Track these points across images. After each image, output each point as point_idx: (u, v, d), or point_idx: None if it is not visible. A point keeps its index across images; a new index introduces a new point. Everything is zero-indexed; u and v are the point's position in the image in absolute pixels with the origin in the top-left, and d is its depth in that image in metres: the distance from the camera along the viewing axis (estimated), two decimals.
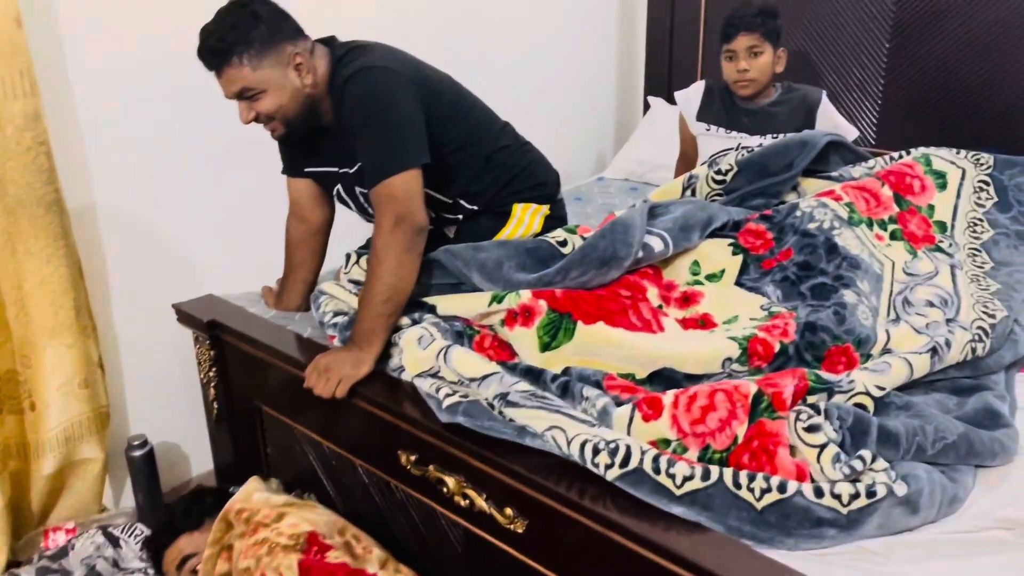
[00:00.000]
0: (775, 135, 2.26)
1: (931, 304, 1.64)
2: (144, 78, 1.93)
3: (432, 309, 1.60)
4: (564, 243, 1.68)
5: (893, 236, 1.82)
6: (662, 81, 3.13)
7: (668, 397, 1.26)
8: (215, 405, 1.90)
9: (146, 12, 1.90)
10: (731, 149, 2.24)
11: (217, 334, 1.79)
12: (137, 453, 1.95)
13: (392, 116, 1.51)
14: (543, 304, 1.49)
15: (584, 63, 3.16)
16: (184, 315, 1.83)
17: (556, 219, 1.84)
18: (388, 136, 1.51)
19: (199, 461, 2.20)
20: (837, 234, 1.72)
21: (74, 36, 1.81)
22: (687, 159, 2.45)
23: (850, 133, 2.31)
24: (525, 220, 1.79)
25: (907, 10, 2.52)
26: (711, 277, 1.73)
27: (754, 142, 2.24)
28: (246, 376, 1.81)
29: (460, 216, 1.76)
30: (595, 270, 1.57)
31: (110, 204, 1.95)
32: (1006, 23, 2.37)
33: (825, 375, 1.31)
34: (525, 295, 1.50)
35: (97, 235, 1.94)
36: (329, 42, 1.63)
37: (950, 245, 1.84)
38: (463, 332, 1.56)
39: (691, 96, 2.38)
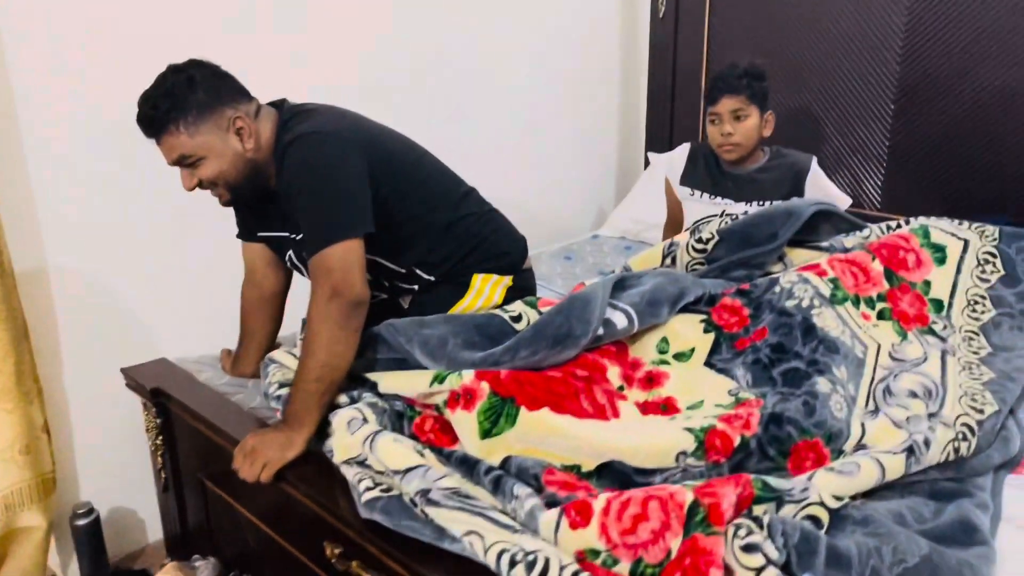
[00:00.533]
0: (761, 202, 2.16)
1: (914, 395, 1.52)
2: (97, 138, 1.90)
3: (375, 386, 1.52)
4: (519, 318, 1.59)
5: (881, 315, 1.70)
6: (663, 137, 3.06)
7: (599, 502, 1.15)
8: (162, 474, 1.84)
9: (99, 72, 1.88)
10: (715, 216, 2.16)
11: (162, 401, 1.73)
12: (82, 522, 1.88)
13: (331, 184, 1.46)
14: (485, 387, 1.40)
15: (586, 116, 3.11)
16: (131, 380, 1.78)
17: (520, 290, 1.76)
18: (326, 204, 1.45)
19: (154, 528, 2.13)
20: (816, 314, 1.62)
21: (25, 96, 1.79)
22: (674, 223, 2.37)
23: (843, 202, 2.21)
24: (485, 291, 1.71)
25: (912, 71, 2.42)
26: (680, 356, 1.63)
27: (739, 209, 2.16)
28: (191, 447, 1.75)
29: (416, 286, 1.69)
30: (547, 350, 1.48)
31: (62, 266, 1.92)
32: (1014, 90, 2.25)
33: (775, 482, 1.20)
34: (467, 376, 1.41)
35: (48, 297, 1.90)
36: (279, 105, 1.58)
37: (944, 327, 1.72)
38: (404, 413, 1.48)
39: (675, 159, 2.30)
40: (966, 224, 1.90)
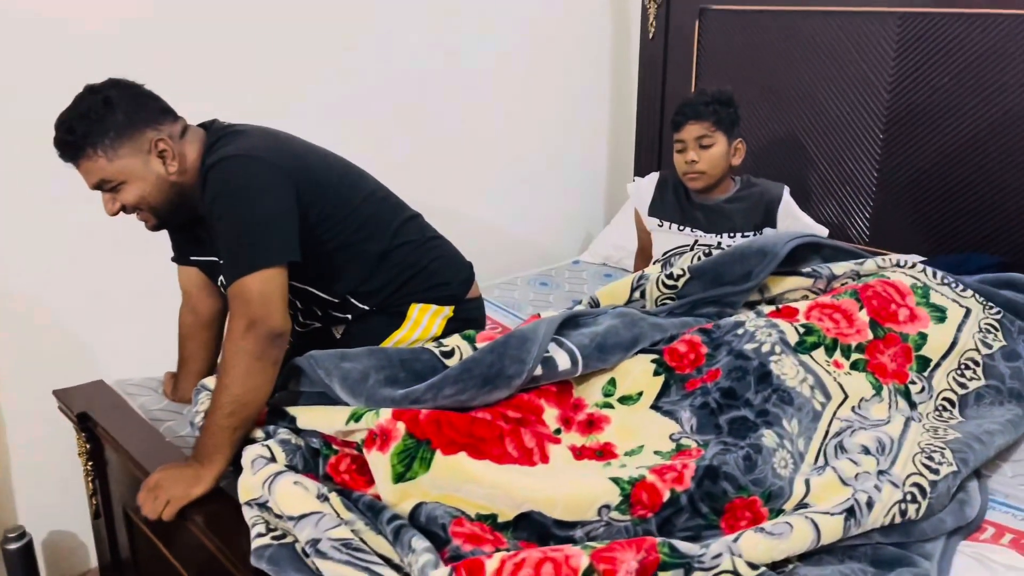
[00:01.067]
0: (732, 234, 2.08)
1: (866, 451, 1.43)
2: (32, 151, 1.87)
3: (295, 420, 1.46)
4: (451, 353, 1.52)
5: (855, 366, 1.62)
6: (652, 160, 2.99)
7: (493, 562, 1.08)
8: (94, 500, 1.79)
9: (34, 89, 1.84)
10: (686, 246, 2.09)
11: (90, 427, 1.69)
12: (13, 546, 1.84)
13: (251, 209, 1.41)
14: (401, 427, 1.33)
15: (574, 138, 3.05)
16: (61, 403, 1.74)
17: (462, 322, 1.70)
18: (245, 231, 1.40)
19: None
20: (774, 360, 1.54)
21: None
22: (644, 254, 2.30)
23: (818, 233, 2.13)
24: (423, 323, 1.65)
25: (902, 101, 2.33)
26: (626, 399, 1.56)
27: (711, 239, 2.08)
28: (119, 475, 1.70)
29: (350, 316, 1.63)
30: (476, 389, 1.42)
31: None
32: (1006, 123, 2.16)
33: (684, 547, 1.12)
34: (384, 415, 1.35)
35: None
36: (209, 125, 1.54)
37: (921, 390, 1.63)
38: (320, 450, 1.42)
39: (642, 189, 2.23)
40: (969, 292, 1.80)
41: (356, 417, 1.37)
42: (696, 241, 2.09)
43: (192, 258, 1.65)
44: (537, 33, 2.79)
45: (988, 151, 2.19)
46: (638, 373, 1.58)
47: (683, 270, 1.82)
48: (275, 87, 2.19)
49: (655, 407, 1.52)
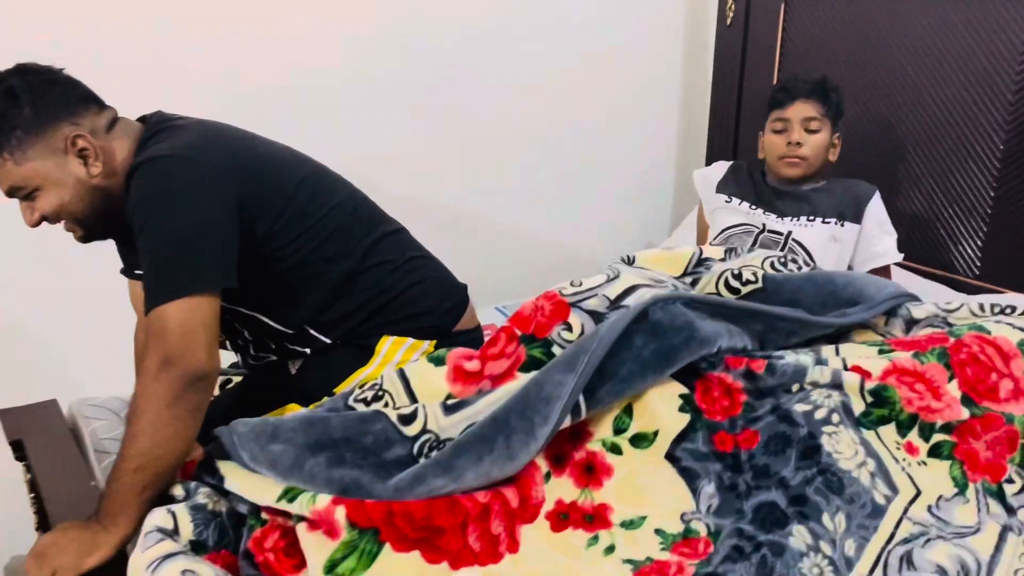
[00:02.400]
0: (810, 217, 1.84)
1: (942, 572, 1.11)
2: None
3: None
4: (411, 418, 1.24)
5: (937, 451, 1.28)
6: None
7: None
8: (38, 533, 1.64)
9: None
10: (751, 228, 1.82)
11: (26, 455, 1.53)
12: None
13: (176, 222, 1.19)
14: (341, 516, 1.10)
15: (637, 136, 2.75)
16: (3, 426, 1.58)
17: None
18: (166, 249, 1.19)
19: None
20: (828, 433, 1.23)
21: None
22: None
23: (891, 256, 1.89)
24: (394, 359, 1.41)
25: None
26: (639, 440, 1.26)
27: (783, 226, 1.82)
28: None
29: (308, 349, 1.41)
30: (475, 477, 1.15)
31: None
32: None
33: None
34: (322, 501, 1.11)
35: None
36: (149, 118, 1.34)
37: (1021, 490, 1.27)
38: (247, 519, 1.20)
39: (710, 174, 2.03)
40: None
41: (289, 497, 1.14)
42: (764, 226, 1.82)
43: (136, 272, 1.46)
44: (601, 20, 2.51)
45: None
46: (660, 406, 1.28)
47: (755, 276, 1.50)
48: (300, 81, 2.06)
49: (671, 456, 1.23)
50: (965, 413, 1.29)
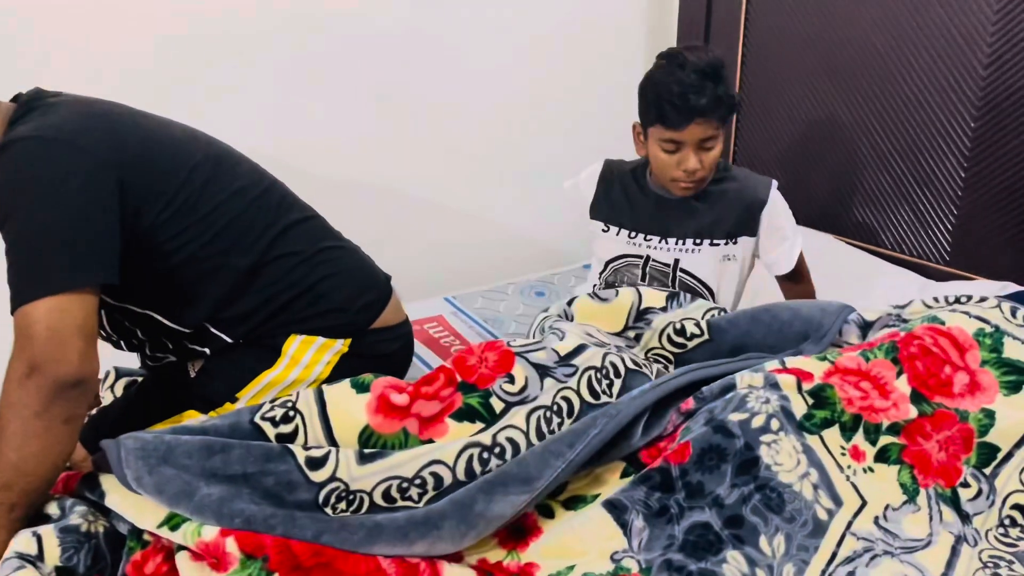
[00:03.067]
0: (697, 240, 1.64)
1: None
2: None
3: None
4: (320, 462, 1.11)
5: (884, 455, 1.20)
6: None
7: None
8: None
9: None
10: (636, 259, 1.67)
11: None
12: None
13: (42, 213, 1.08)
14: (233, 547, 1.00)
15: (595, 112, 2.61)
16: None
17: (363, 359, 1.35)
18: (32, 243, 1.08)
19: None
20: (767, 442, 1.14)
21: None
22: None
23: (783, 254, 1.67)
24: (303, 360, 1.31)
25: (1002, 82, 1.83)
26: (575, 502, 1.18)
27: (668, 255, 1.65)
28: None
29: (208, 349, 1.31)
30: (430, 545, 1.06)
31: None
32: None
33: None
34: (209, 532, 1.02)
35: None
36: (19, 97, 1.23)
37: (978, 495, 1.19)
38: (127, 541, 1.10)
39: (582, 188, 1.75)
40: None
41: (172, 524, 1.05)
42: (648, 257, 1.66)
43: None
44: None
45: None
46: (604, 474, 1.21)
47: (700, 328, 1.44)
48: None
49: (608, 502, 1.13)
50: (913, 412, 1.21)
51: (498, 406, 1.22)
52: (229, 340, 1.28)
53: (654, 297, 1.52)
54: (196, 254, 1.22)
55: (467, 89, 2.30)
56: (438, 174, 2.34)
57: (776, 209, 1.64)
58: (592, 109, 2.54)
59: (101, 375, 1.38)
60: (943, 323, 1.30)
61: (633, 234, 1.67)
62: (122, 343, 1.34)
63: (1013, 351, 1.27)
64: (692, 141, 1.51)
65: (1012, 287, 1.83)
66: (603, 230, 1.71)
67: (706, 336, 1.43)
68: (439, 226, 2.38)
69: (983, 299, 1.35)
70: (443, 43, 2.22)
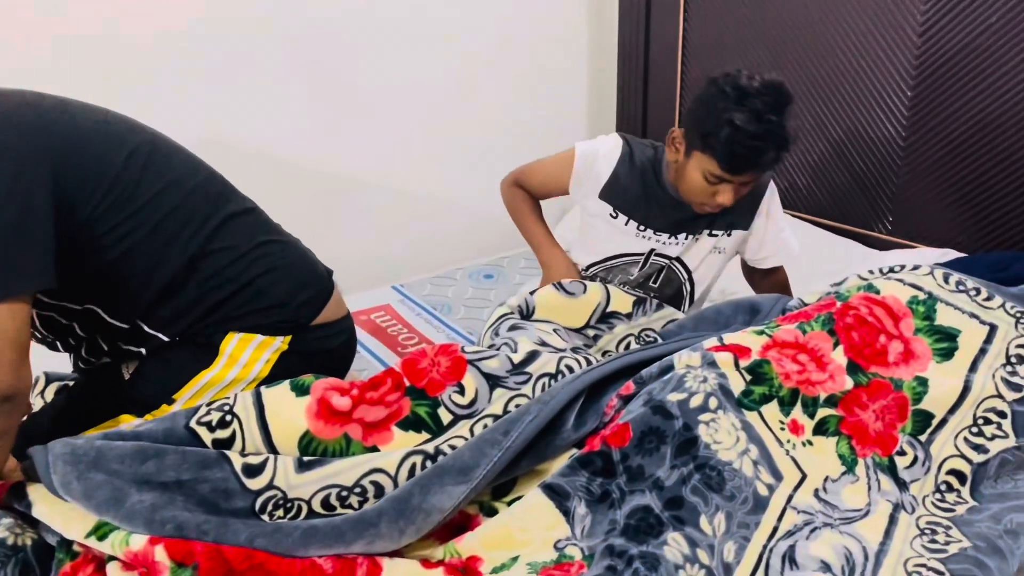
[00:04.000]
0: (697, 236, 1.64)
1: (826, 567, 1.03)
2: None
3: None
4: (257, 469, 1.08)
5: (823, 428, 1.21)
6: (636, 122, 2.55)
7: None
8: None
9: None
10: (637, 258, 1.66)
11: None
12: None
13: None
14: (163, 556, 0.98)
15: (542, 93, 2.60)
16: None
17: (303, 356, 1.33)
18: None
19: None
20: (705, 421, 1.14)
21: None
22: (534, 204, 1.78)
23: (790, 249, 1.69)
24: (241, 359, 1.29)
25: (936, 48, 1.85)
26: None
27: (674, 249, 1.65)
28: None
29: (143, 349, 1.28)
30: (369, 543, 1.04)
31: None
32: None
33: None
34: (137, 541, 0.99)
35: None
36: None
37: (914, 462, 1.20)
38: (56, 552, 1.07)
39: (600, 165, 1.65)
40: (997, 299, 1.33)
41: (100, 534, 1.02)
42: (652, 251, 1.66)
43: None
44: None
45: None
46: (548, 470, 1.20)
47: (655, 337, 1.48)
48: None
49: (546, 484, 1.13)
50: (849, 383, 1.22)
51: (446, 418, 1.21)
52: (165, 339, 1.25)
53: (622, 301, 1.54)
54: (133, 247, 1.19)
55: (405, 71, 2.27)
56: (380, 161, 2.31)
57: (773, 201, 1.65)
58: (534, 88, 2.53)
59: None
60: (878, 292, 1.31)
61: (643, 228, 1.65)
62: (58, 343, 1.30)
63: (945, 318, 1.29)
64: (737, 184, 1.49)
65: (953, 254, 1.86)
66: (611, 215, 1.66)
67: (660, 342, 1.44)
68: (384, 213, 2.35)
69: (916, 267, 1.37)
70: (379, 26, 2.18)
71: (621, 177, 1.64)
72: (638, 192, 1.64)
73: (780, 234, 1.66)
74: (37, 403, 1.42)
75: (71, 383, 1.42)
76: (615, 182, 1.65)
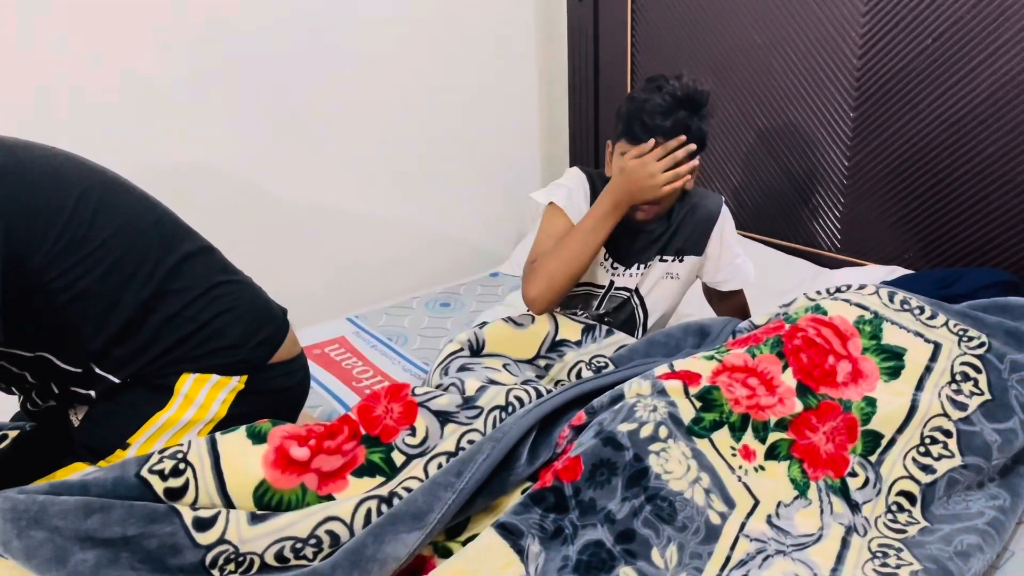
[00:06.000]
0: (648, 264, 1.66)
1: None
2: None
3: None
4: (208, 523, 1.06)
5: (774, 452, 1.22)
6: (588, 145, 2.58)
7: None
8: None
9: None
10: (598, 291, 1.67)
11: None
12: None
13: None
14: None
15: (495, 119, 2.61)
16: None
17: (259, 396, 1.32)
18: None
19: None
20: (655, 451, 1.15)
21: None
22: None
23: (745, 273, 1.72)
24: (197, 399, 1.27)
25: (875, 70, 1.90)
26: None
27: (631, 281, 1.66)
28: None
29: (93, 392, 1.25)
30: None
31: None
32: (1006, 95, 1.72)
33: None
34: None
35: None
36: None
37: (864, 484, 1.22)
38: None
39: (578, 196, 1.61)
40: (941, 317, 1.37)
41: None
42: (612, 284, 1.66)
43: None
44: (450, 5, 2.37)
45: (989, 131, 1.76)
46: (502, 505, 1.20)
47: (606, 362, 1.49)
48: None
49: (499, 523, 1.12)
50: (799, 406, 1.24)
51: (399, 459, 1.21)
52: (116, 380, 1.24)
53: (570, 329, 1.56)
54: (87, 290, 1.18)
55: (352, 99, 2.27)
56: (330, 190, 2.30)
57: (726, 225, 1.67)
58: (485, 114, 2.54)
59: None
60: (825, 313, 1.34)
61: (607, 258, 1.65)
62: (13, 388, 1.27)
63: (892, 337, 1.32)
64: (665, 150, 1.48)
65: (900, 271, 1.90)
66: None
67: (612, 368, 1.46)
68: (339, 244, 2.34)
69: (862, 286, 1.40)
70: (328, 55, 2.18)
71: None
72: None
73: (735, 259, 1.69)
74: None
75: (11, 432, 1.38)
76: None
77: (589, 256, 1.51)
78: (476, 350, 1.53)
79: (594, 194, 1.63)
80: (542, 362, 1.53)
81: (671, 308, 1.74)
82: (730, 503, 1.14)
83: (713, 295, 1.77)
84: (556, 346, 1.54)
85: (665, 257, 1.65)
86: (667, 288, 1.69)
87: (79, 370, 1.23)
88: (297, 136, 2.19)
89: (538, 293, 1.51)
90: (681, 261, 1.66)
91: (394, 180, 2.41)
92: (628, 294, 1.67)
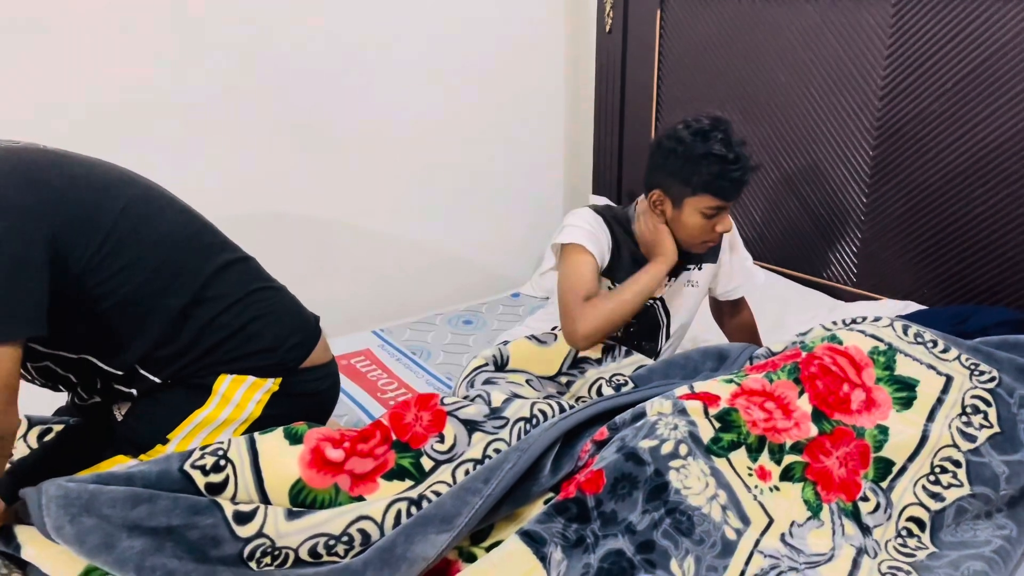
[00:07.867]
0: (672, 275, 1.72)
1: None
2: None
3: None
4: (247, 517, 1.11)
5: (789, 474, 1.27)
6: (612, 174, 2.64)
7: None
8: None
9: None
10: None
11: None
12: None
13: None
14: None
15: (522, 145, 2.68)
16: None
17: (292, 397, 1.38)
18: None
19: None
20: (676, 467, 1.20)
21: None
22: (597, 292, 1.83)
23: (754, 275, 1.83)
24: (234, 399, 1.33)
25: (896, 111, 1.96)
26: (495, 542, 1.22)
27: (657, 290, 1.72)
28: None
29: (135, 390, 1.31)
30: None
31: None
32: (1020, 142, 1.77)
33: None
34: None
35: None
36: None
37: (876, 508, 1.27)
38: None
39: (598, 232, 1.65)
40: (953, 351, 1.42)
41: None
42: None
43: None
44: (481, 34, 2.45)
45: (1002, 176, 1.81)
46: (524, 514, 1.25)
47: (626, 379, 1.54)
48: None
49: (523, 531, 1.17)
50: (814, 430, 1.28)
51: (428, 464, 1.26)
52: (157, 381, 1.30)
53: (591, 350, 1.60)
54: (128, 297, 1.24)
55: (388, 121, 2.35)
56: (360, 207, 2.37)
57: (735, 235, 1.79)
58: (514, 136, 2.61)
59: None
60: (841, 342, 1.39)
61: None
62: (60, 386, 1.34)
63: (905, 368, 1.36)
64: (729, 207, 1.62)
65: (914, 306, 1.94)
66: (609, 288, 1.68)
67: (632, 386, 1.51)
68: (366, 259, 2.41)
69: (877, 319, 1.45)
70: (364, 75, 2.26)
71: (617, 251, 1.68)
72: (629, 262, 1.68)
73: (745, 263, 1.81)
74: (19, 447, 1.44)
75: (58, 426, 1.44)
76: (615, 257, 1.68)
77: (641, 305, 1.60)
78: (500, 365, 1.59)
79: (615, 242, 1.67)
80: (564, 379, 1.59)
81: (690, 318, 1.81)
82: (745, 520, 1.19)
83: (724, 310, 1.85)
84: (577, 363, 1.59)
85: (688, 266, 1.74)
86: (688, 296, 1.76)
87: (121, 372, 1.29)
88: (331, 156, 2.27)
89: (593, 330, 1.56)
90: (700, 269, 1.74)
91: (422, 202, 2.49)
92: (653, 302, 1.74)
